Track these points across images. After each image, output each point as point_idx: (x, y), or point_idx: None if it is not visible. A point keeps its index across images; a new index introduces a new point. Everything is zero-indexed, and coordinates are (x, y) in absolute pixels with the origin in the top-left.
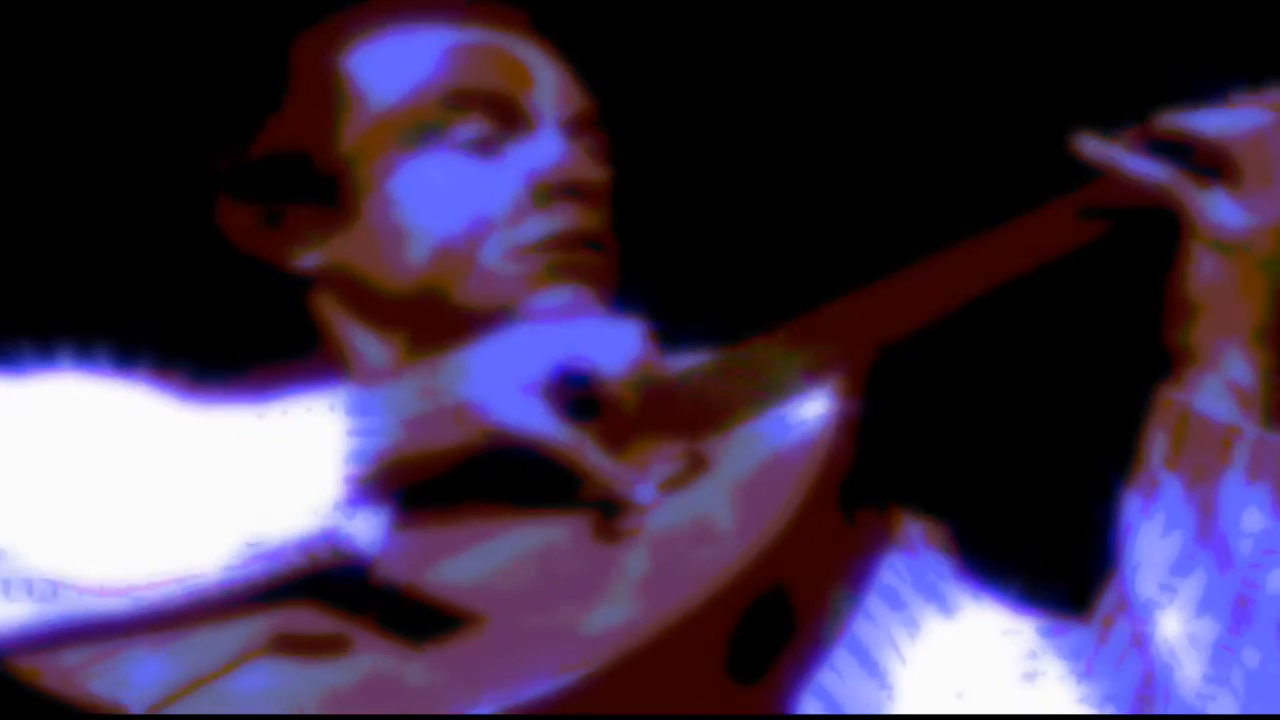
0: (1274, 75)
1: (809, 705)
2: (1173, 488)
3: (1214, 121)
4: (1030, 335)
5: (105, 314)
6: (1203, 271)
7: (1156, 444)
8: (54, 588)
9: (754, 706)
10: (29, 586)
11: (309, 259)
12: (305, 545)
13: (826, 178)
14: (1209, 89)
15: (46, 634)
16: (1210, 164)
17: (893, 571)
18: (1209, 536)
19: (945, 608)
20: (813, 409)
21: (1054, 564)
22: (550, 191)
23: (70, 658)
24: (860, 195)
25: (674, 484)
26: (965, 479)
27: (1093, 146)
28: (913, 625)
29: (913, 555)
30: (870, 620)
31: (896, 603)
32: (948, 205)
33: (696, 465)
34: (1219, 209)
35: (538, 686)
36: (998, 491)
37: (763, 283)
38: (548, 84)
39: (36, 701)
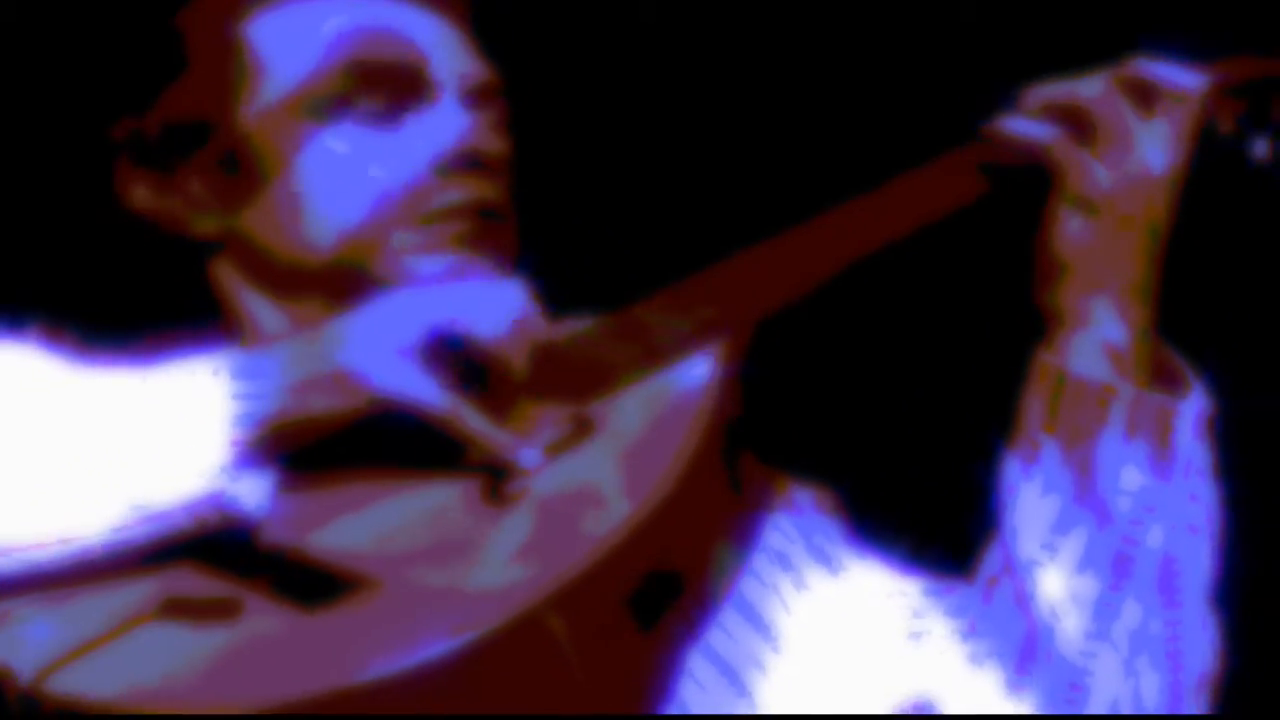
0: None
1: (698, 665)
2: (1051, 449)
3: (1067, 87)
4: (914, 298)
5: None
6: (1069, 232)
7: (1033, 406)
8: None
9: (642, 667)
10: None
11: (206, 226)
12: (191, 508)
13: (711, 144)
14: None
15: None
16: (1074, 127)
17: (780, 532)
18: (1088, 495)
19: (832, 568)
20: (698, 371)
21: (939, 525)
22: (449, 163)
23: None
24: (743, 158)
25: (559, 447)
26: (849, 441)
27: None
28: (800, 584)
29: (800, 516)
30: (758, 580)
31: (784, 563)
32: (830, 167)
33: (582, 428)
34: (1083, 168)
35: (430, 648)
36: (882, 454)
37: (648, 245)
38: (449, 54)
39: None
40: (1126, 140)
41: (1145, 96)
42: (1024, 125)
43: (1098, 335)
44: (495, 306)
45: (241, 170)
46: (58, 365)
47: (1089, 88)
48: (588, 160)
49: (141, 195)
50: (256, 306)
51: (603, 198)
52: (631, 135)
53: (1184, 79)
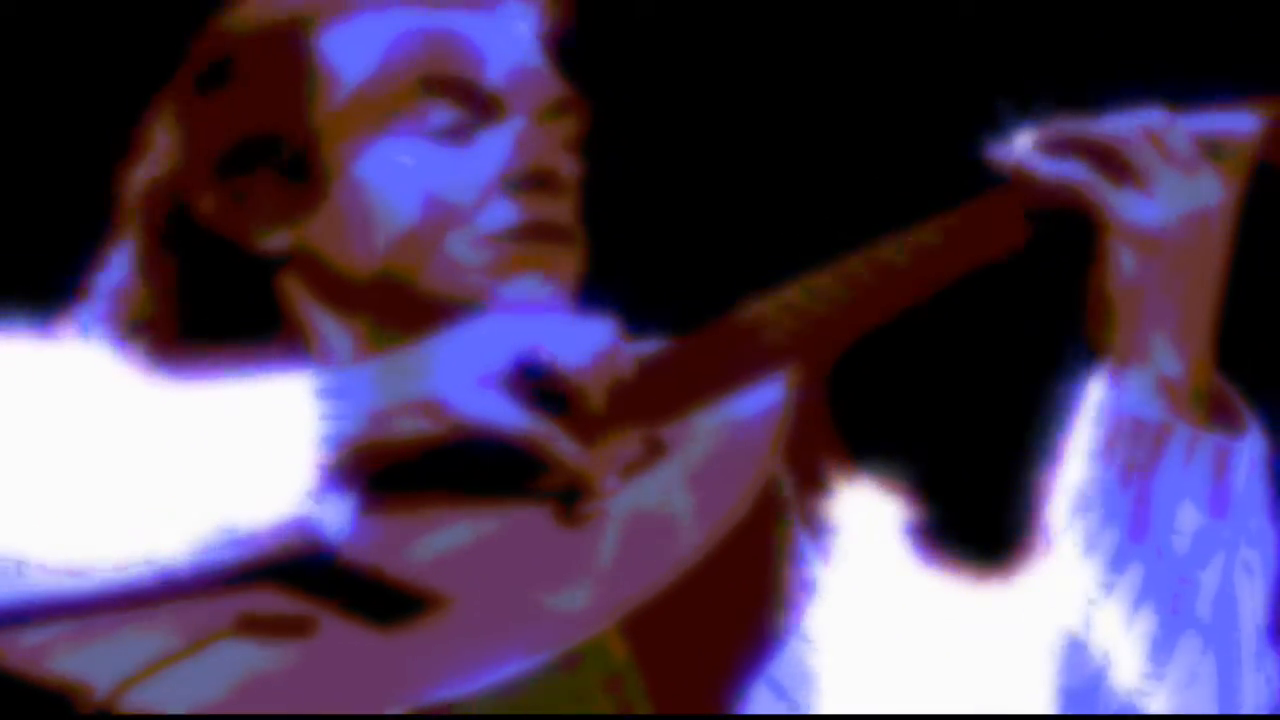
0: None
1: (760, 691)
2: (1108, 485)
3: (1108, 123)
4: (980, 318)
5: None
6: (1123, 268)
7: (1092, 441)
8: (19, 567)
9: (708, 693)
10: None
11: (276, 240)
12: (274, 530)
13: (774, 172)
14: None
15: (11, 613)
16: (1110, 164)
17: (843, 545)
18: (1144, 533)
19: (888, 578)
20: (769, 395)
21: (995, 549)
22: (519, 181)
23: (35, 637)
24: (800, 190)
25: (633, 470)
26: (909, 452)
27: (1001, 151)
28: (859, 598)
29: (861, 524)
30: (821, 599)
31: (845, 578)
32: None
33: (655, 451)
34: (1131, 206)
35: (505, 668)
36: (940, 471)
37: (720, 270)
38: (524, 70)
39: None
40: (1163, 180)
41: (1202, 147)
42: (1054, 165)
43: (1155, 370)
44: (580, 335)
45: (309, 182)
46: (138, 380)
47: (1120, 127)
48: (656, 181)
49: (209, 207)
50: (323, 324)
51: (676, 220)
52: (697, 155)
53: (1235, 124)
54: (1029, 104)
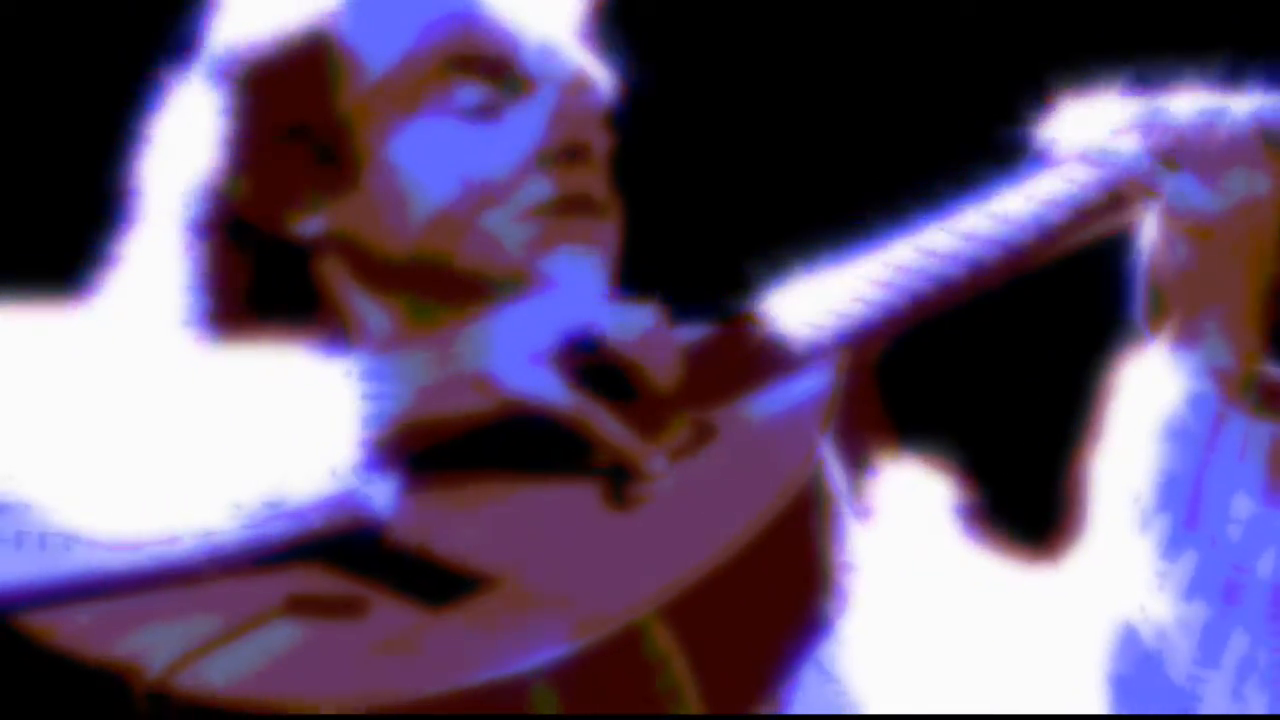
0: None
1: (808, 675)
2: (1161, 472)
3: (1165, 106)
4: (1020, 310)
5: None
6: (1174, 254)
7: (1146, 428)
8: (68, 542)
9: (753, 678)
10: (42, 541)
11: (310, 225)
12: (321, 507)
13: (820, 147)
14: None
15: (59, 590)
16: (1167, 150)
17: (892, 529)
18: (1198, 521)
19: (936, 562)
20: (818, 378)
21: (1044, 532)
22: (552, 155)
23: (84, 616)
24: (843, 168)
25: (682, 453)
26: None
27: (1054, 133)
28: (907, 581)
29: (908, 510)
30: (868, 585)
31: (894, 561)
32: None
33: (703, 435)
34: (1185, 192)
35: (553, 648)
36: (992, 459)
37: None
38: (551, 45)
39: (51, 662)
40: (1218, 166)
41: (1261, 135)
42: (1108, 148)
43: (1207, 358)
44: (629, 313)
45: (341, 167)
46: (190, 360)
47: (1177, 110)
48: (692, 156)
49: (241, 196)
50: (362, 306)
51: (719, 200)
52: (731, 129)
53: None
54: (1080, 82)
